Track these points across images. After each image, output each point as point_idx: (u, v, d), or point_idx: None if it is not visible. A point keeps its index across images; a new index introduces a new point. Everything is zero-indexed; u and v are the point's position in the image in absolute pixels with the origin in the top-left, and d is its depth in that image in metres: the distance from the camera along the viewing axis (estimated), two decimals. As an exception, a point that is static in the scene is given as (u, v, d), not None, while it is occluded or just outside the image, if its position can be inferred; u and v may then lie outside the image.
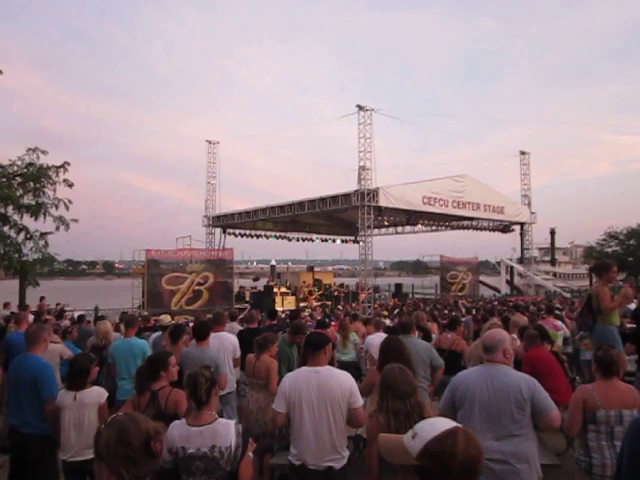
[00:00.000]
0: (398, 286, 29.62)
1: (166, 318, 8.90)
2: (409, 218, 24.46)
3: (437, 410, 3.40)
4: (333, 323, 9.87)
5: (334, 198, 21.64)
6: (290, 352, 5.54)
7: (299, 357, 4.65)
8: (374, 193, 20.34)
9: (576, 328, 7.32)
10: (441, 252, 31.65)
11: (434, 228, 29.90)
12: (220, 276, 21.33)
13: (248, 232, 29.24)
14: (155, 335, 6.68)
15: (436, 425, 1.51)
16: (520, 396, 2.98)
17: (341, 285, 30.09)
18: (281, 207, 24.26)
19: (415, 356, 4.89)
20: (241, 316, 9.83)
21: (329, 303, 24.98)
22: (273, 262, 35.22)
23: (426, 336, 6.66)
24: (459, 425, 1.52)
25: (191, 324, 7.98)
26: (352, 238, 33.02)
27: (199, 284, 20.56)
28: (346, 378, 3.33)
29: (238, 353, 5.79)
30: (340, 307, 20.67)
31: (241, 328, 7.38)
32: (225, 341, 5.74)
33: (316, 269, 37.50)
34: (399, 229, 31.92)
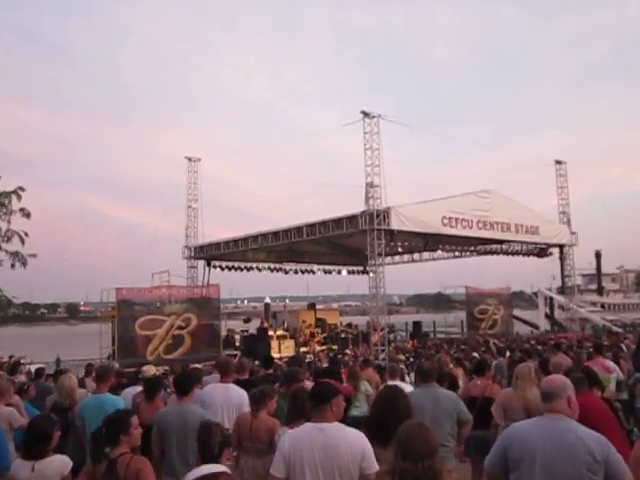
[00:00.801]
0: (417, 324, 29.50)
1: (150, 370, 8.82)
2: (427, 243, 24.48)
3: (467, 473, 3.36)
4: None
5: (338, 221, 21.73)
6: (284, 404, 5.50)
7: (287, 412, 4.59)
8: (385, 214, 20.43)
9: (632, 369, 7.25)
10: (466, 282, 31.58)
11: (457, 254, 29.89)
12: (205, 318, 21.23)
13: (237, 264, 29.27)
14: (136, 392, 6.62)
15: None
16: (592, 458, 2.90)
17: (349, 325, 29.90)
18: (275, 234, 24.35)
19: (440, 410, 4.86)
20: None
21: (335, 347, 24.79)
22: (267, 299, 34.97)
23: (452, 384, 6.63)
24: None
25: (172, 377, 7.93)
26: (360, 268, 32.92)
27: (180, 328, 20.46)
28: (357, 437, 3.30)
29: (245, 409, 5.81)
30: (348, 351, 20.52)
31: None
32: (232, 395, 5.71)
33: (319, 306, 37.32)
34: (416, 256, 31.94)
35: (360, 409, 7.51)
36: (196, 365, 14.83)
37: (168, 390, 8.10)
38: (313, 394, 3.46)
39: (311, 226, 22.81)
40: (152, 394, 5.80)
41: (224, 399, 5.60)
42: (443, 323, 37.72)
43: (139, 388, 6.74)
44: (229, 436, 2.98)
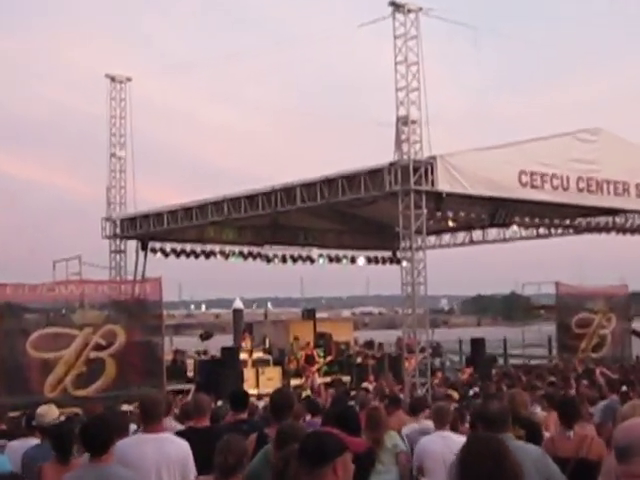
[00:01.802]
0: (477, 343, 29.48)
1: (51, 412, 8.85)
2: (494, 214, 24.38)
3: None
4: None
5: (351, 179, 21.58)
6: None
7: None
8: (427, 168, 20.32)
9: None
10: (557, 277, 31.58)
11: (542, 232, 29.93)
12: (138, 332, 21.29)
13: (190, 248, 29.33)
14: (30, 446, 6.79)
15: None
16: None
17: (368, 344, 30.04)
18: (251, 199, 24.15)
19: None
20: (178, 407, 9.78)
21: (346, 379, 24.92)
22: (238, 304, 35.14)
23: (532, 435, 6.65)
24: None
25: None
26: (387, 254, 33.03)
27: (99, 348, 20.49)
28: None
29: (192, 474, 5.99)
30: (368, 385, 20.58)
31: (180, 427, 7.49)
32: (167, 450, 5.93)
33: (321, 314, 37.57)
34: (476, 235, 31.92)
35: (386, 476, 7.55)
36: (125, 407, 14.90)
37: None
38: (304, 450, 3.47)
39: (308, 186, 22.65)
40: (65, 452, 5.88)
41: (158, 455, 5.76)
42: (519, 342, 37.68)
43: (33, 441, 6.78)
44: None
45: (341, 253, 33.03)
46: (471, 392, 15.98)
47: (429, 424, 8.79)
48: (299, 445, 3.58)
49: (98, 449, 5.15)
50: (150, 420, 6.15)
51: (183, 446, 6.09)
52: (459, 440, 7.55)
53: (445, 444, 7.57)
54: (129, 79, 29.78)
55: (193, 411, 7.40)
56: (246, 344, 27.31)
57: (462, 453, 3.62)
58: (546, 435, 7.48)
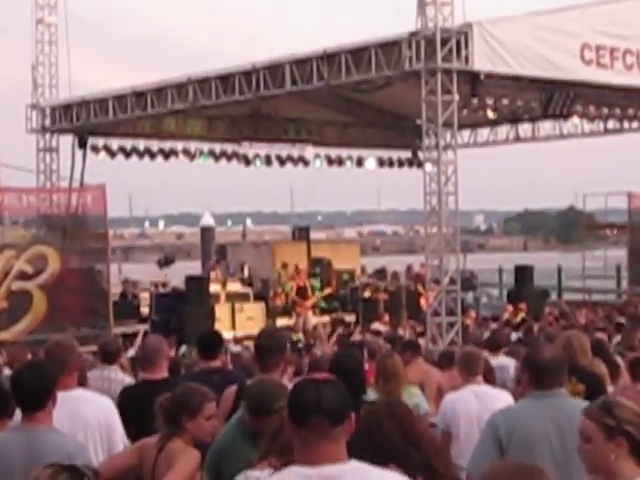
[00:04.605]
0: (523, 272, 29.65)
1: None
2: (549, 102, 24.31)
3: None
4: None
5: (357, 54, 21.54)
6: (250, 453, 5.59)
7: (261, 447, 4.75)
8: (460, 39, 20.21)
9: None
10: (630, 186, 31.59)
11: (612, 126, 29.96)
12: (75, 256, 21.37)
13: (144, 145, 29.36)
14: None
15: None
16: None
17: (379, 273, 30.25)
18: (225, 79, 24.10)
19: (573, 444, 4.96)
20: (131, 352, 9.89)
21: (351, 319, 25.16)
22: (207, 219, 35.30)
23: (594, 390, 6.71)
24: None
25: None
26: (406, 155, 33.06)
27: (23, 277, 20.62)
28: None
29: (119, 441, 6.03)
30: (379, 326, 20.79)
31: (131, 381, 7.66)
32: (84, 413, 5.97)
33: (317, 235, 37.83)
34: (524, 131, 31.98)
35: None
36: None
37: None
38: (320, 404, 3.46)
39: (301, 64, 22.67)
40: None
41: (69, 420, 5.76)
42: (577, 271, 37.92)
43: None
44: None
45: (344, 153, 33.00)
46: (514, 336, 16.10)
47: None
48: (303, 400, 3.55)
49: (31, 405, 5.18)
50: (59, 374, 5.85)
51: (104, 406, 6.13)
52: (498, 395, 7.65)
53: (480, 402, 7.64)
54: None
55: (147, 360, 7.40)
56: (217, 274, 27.44)
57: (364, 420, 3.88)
58: (610, 390, 7.53)
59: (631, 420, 3.66)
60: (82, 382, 7.19)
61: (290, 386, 5.16)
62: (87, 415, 5.94)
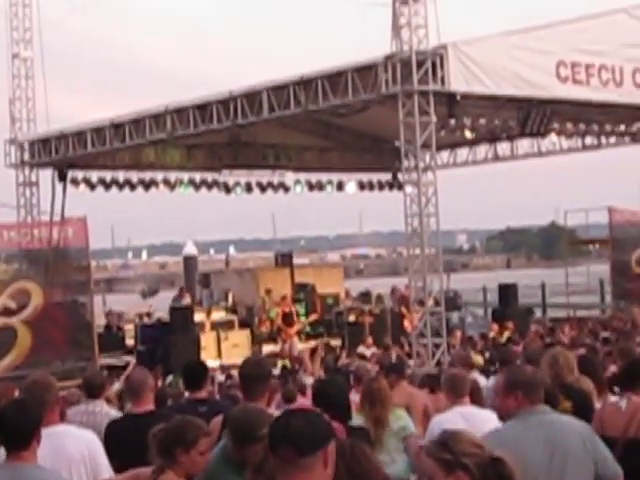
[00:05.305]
0: (506, 290, 29.73)
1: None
2: (526, 120, 24.39)
3: None
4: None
5: (334, 79, 21.61)
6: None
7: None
8: (436, 60, 20.30)
9: None
10: (611, 201, 31.73)
11: (590, 142, 30.01)
12: (58, 290, 21.29)
13: (123, 176, 29.32)
14: None
15: None
16: None
17: (363, 297, 30.21)
18: (202, 108, 24.17)
19: (563, 459, 5.04)
20: (116, 385, 9.85)
21: (335, 343, 25.13)
22: (190, 248, 35.30)
23: (581, 407, 6.72)
24: None
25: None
26: (386, 177, 33.10)
27: (7, 313, 20.56)
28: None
29: (105, 473, 5.99)
30: (365, 350, 20.79)
31: (117, 414, 7.58)
32: (67, 447, 5.94)
33: (299, 260, 37.74)
34: (502, 150, 32.05)
35: (391, 468, 7.59)
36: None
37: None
38: (288, 434, 3.46)
39: (278, 90, 22.70)
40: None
41: (53, 455, 5.73)
42: (560, 287, 38.02)
43: None
44: None
45: (324, 177, 33.03)
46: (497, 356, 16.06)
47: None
48: (274, 429, 3.56)
49: (16, 444, 5.15)
50: (42, 410, 5.82)
51: (87, 439, 6.13)
52: (486, 416, 7.61)
53: (468, 423, 7.58)
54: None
55: (133, 392, 7.38)
56: (202, 302, 27.44)
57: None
58: (597, 406, 7.54)
59: (468, 452, 3.68)
60: (61, 417, 7.17)
61: (276, 414, 5.17)
62: (70, 449, 5.93)
